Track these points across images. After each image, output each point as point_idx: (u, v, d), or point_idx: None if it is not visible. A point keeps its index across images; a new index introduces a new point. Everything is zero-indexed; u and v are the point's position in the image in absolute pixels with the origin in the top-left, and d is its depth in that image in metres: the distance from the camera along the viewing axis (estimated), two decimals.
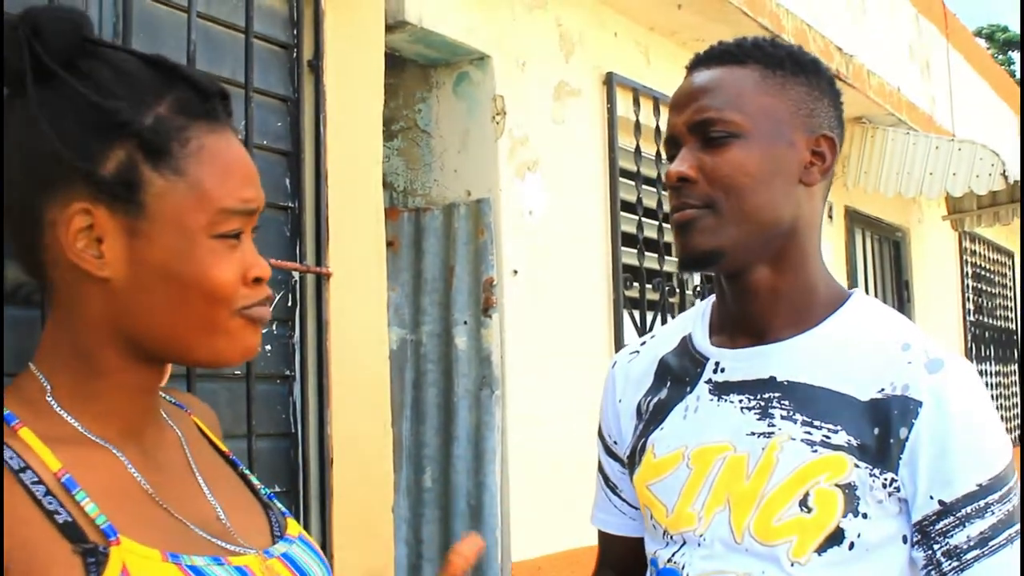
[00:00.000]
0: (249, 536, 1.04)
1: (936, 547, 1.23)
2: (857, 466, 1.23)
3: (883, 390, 1.25)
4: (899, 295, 6.28)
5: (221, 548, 1.00)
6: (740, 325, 1.34)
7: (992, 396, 7.74)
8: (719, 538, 1.27)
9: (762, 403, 1.29)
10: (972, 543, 1.22)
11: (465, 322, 3.01)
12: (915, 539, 1.25)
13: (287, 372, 2.08)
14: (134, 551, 0.92)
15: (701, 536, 1.28)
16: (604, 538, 1.51)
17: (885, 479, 1.23)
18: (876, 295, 5.96)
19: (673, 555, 1.30)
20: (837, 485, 1.23)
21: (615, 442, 1.45)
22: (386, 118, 2.96)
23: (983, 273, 7.92)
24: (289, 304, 2.08)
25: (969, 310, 7.40)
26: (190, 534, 0.99)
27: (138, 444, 1.03)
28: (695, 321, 1.42)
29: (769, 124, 1.28)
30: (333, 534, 2.06)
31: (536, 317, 3.15)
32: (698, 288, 4.05)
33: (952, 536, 1.23)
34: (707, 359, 1.36)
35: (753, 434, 1.28)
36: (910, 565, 1.26)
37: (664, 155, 1.39)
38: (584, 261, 3.42)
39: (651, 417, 1.38)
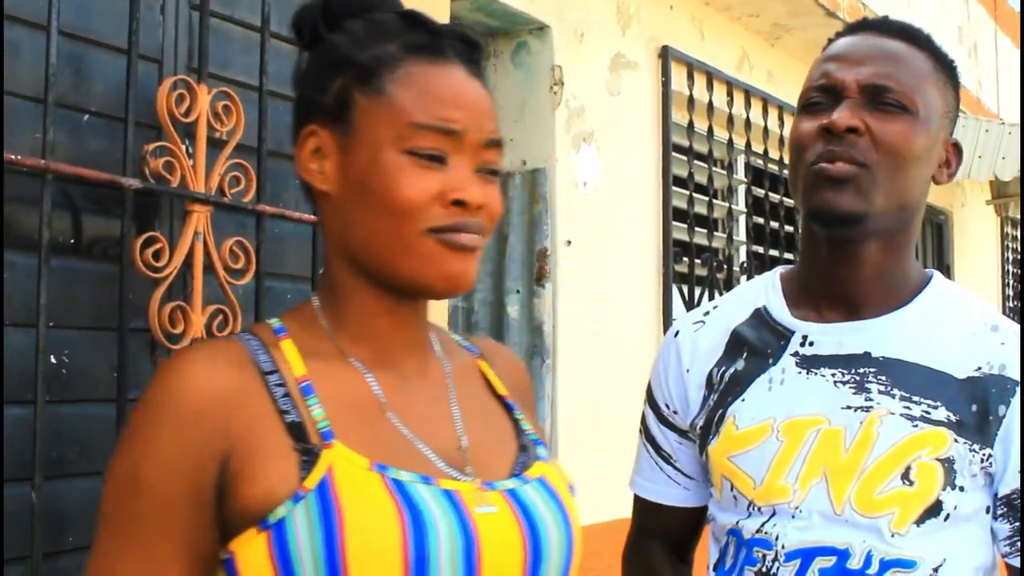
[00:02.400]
0: (485, 469, 1.05)
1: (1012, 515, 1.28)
2: (956, 441, 1.26)
3: (980, 368, 1.27)
4: None
5: (438, 470, 1.02)
6: (831, 298, 1.33)
7: None
8: (817, 510, 1.27)
9: (857, 377, 1.29)
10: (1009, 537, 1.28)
11: (518, 291, 3.01)
12: (1000, 511, 1.29)
13: None
14: (343, 456, 0.96)
15: (797, 508, 1.28)
16: (648, 507, 1.49)
17: (984, 454, 1.26)
18: None
19: (763, 526, 1.30)
20: (938, 459, 1.25)
21: (675, 412, 1.43)
22: None
23: None
24: None
25: (1008, 296, 7.31)
26: (411, 451, 1.02)
27: (394, 369, 1.07)
28: (766, 293, 1.41)
29: (932, 113, 1.31)
30: None
31: (587, 288, 3.14)
32: (744, 264, 4.02)
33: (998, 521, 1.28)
34: (792, 332, 1.35)
35: (849, 408, 1.28)
36: (990, 536, 1.30)
37: (799, 101, 1.36)
38: (635, 234, 3.40)
39: (727, 388, 1.37)
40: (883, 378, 1.29)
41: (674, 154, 3.58)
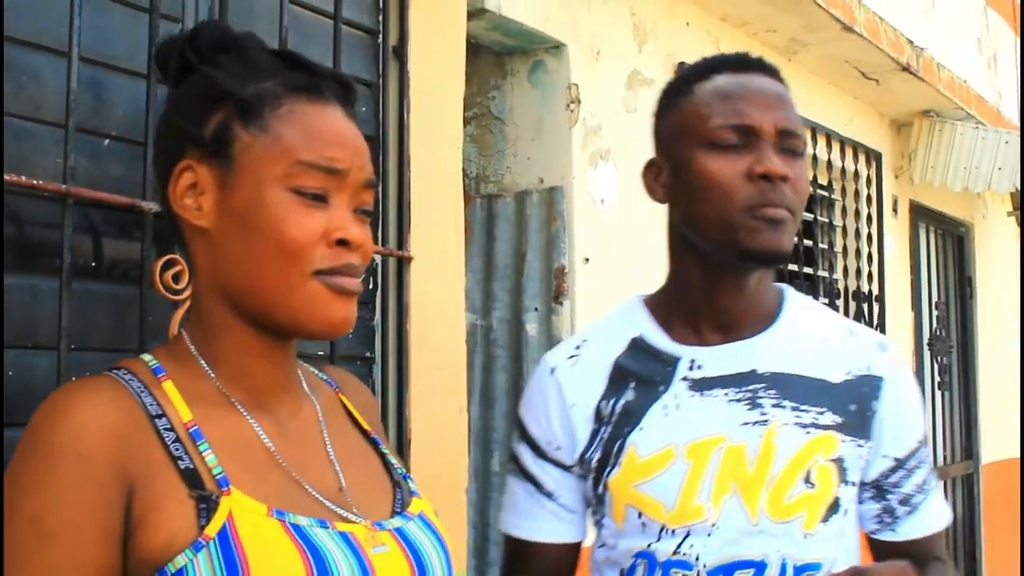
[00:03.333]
0: (367, 509, 1.07)
1: (891, 497, 1.42)
2: (843, 441, 1.37)
3: (850, 372, 1.40)
4: (961, 291, 6.19)
5: (332, 513, 1.03)
6: (712, 323, 1.39)
7: None
8: (734, 524, 1.33)
9: (749, 394, 1.37)
10: (917, 489, 1.43)
11: (536, 309, 3.01)
12: (868, 494, 1.43)
13: (367, 354, 2.09)
14: (242, 503, 0.96)
15: (713, 525, 1.33)
16: (525, 547, 1.48)
17: (868, 448, 1.39)
18: (938, 290, 5.89)
19: (679, 547, 1.34)
20: (831, 460, 1.36)
21: (558, 447, 1.43)
22: None
23: None
24: (371, 287, 2.10)
25: None
26: (302, 496, 1.03)
27: (270, 411, 1.07)
28: (637, 322, 1.46)
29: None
30: None
31: (606, 305, 3.12)
32: None
33: (903, 486, 1.42)
34: (678, 357, 1.40)
35: (747, 423, 1.35)
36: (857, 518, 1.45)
37: (703, 135, 1.36)
38: (653, 251, 3.39)
39: (621, 419, 1.40)
40: (772, 392, 1.37)
41: None
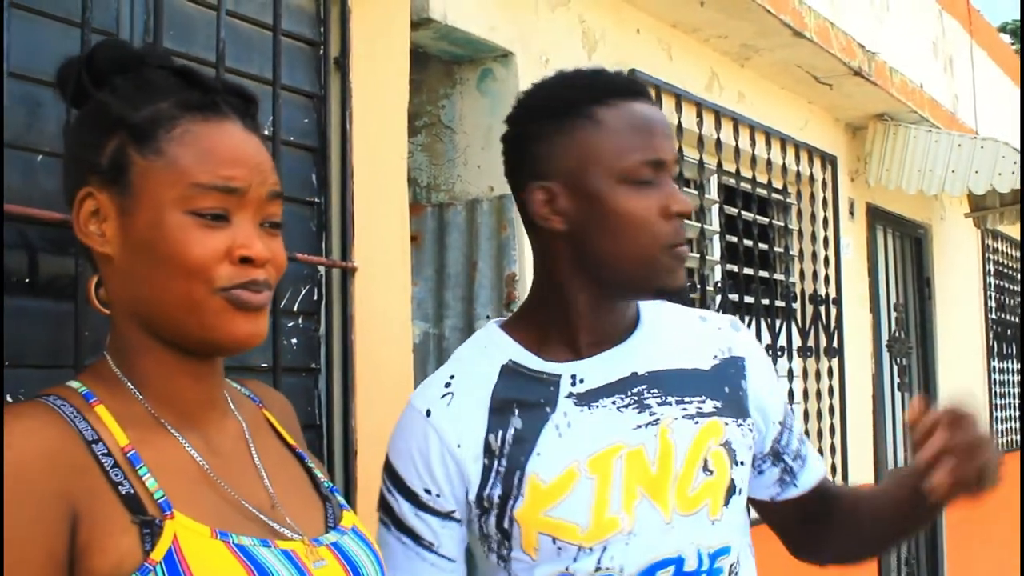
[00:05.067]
0: (302, 524, 1.08)
1: (786, 457, 1.52)
2: (727, 424, 1.42)
3: (716, 356, 1.46)
4: (920, 292, 6.26)
5: (271, 531, 1.05)
6: (588, 339, 1.40)
7: (1012, 395, 7.70)
8: (649, 527, 1.35)
9: (635, 397, 1.39)
10: (800, 441, 1.54)
11: (488, 316, 3.03)
12: (767, 464, 1.52)
13: (313, 365, 2.11)
14: (186, 526, 0.97)
15: (630, 532, 1.34)
16: None
17: (748, 424, 1.45)
18: (897, 293, 5.95)
19: (599, 562, 1.34)
20: (721, 445, 1.40)
21: (439, 495, 1.38)
22: (410, 114, 2.97)
23: (1005, 271, 7.88)
24: (315, 298, 2.11)
25: (991, 308, 7.36)
26: (242, 515, 1.04)
27: (198, 429, 1.09)
28: (503, 349, 1.41)
29: None
30: None
31: None
32: (718, 284, 4.06)
33: (791, 443, 1.52)
34: (558, 375, 1.39)
35: (640, 427, 1.37)
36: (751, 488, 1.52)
37: (624, 171, 1.34)
38: None
39: (514, 449, 1.37)
40: (655, 390, 1.40)
41: None
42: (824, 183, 4.91)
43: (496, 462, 1.37)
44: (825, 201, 4.89)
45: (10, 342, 1.52)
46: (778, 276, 4.55)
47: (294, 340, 2.07)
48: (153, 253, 1.02)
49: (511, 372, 1.40)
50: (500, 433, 1.38)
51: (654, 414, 1.38)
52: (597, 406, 1.38)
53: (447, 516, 1.40)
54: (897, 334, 5.84)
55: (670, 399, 1.40)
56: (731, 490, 1.40)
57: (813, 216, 4.82)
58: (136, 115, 1.04)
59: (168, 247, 1.01)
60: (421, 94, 3.16)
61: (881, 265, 5.72)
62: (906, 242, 6.18)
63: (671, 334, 1.46)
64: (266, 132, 2.00)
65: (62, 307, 1.63)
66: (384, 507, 1.43)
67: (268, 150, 1.12)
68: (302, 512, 1.11)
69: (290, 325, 2.06)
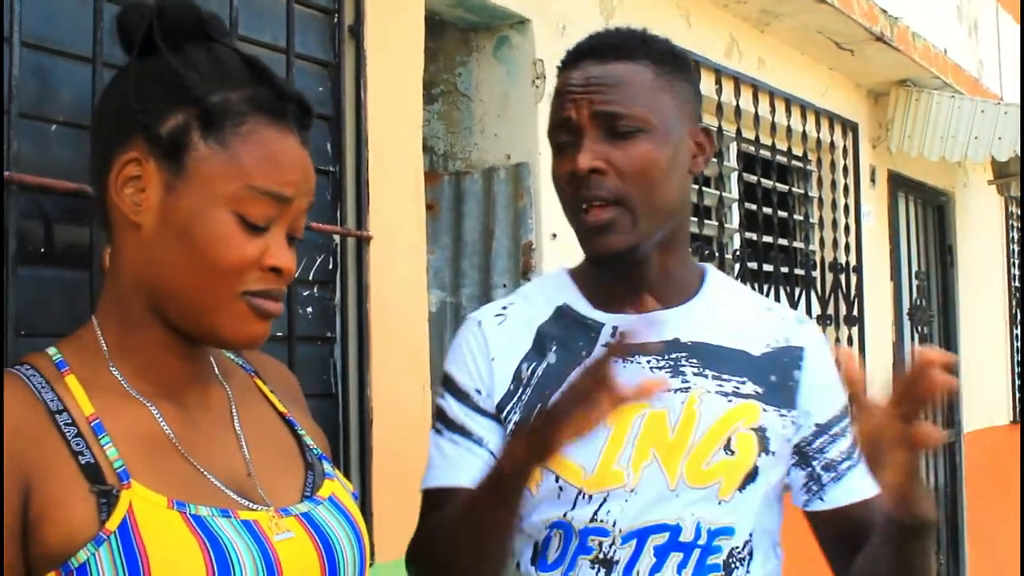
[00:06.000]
0: (276, 494, 1.08)
1: (815, 463, 1.44)
2: (765, 410, 1.40)
3: (769, 344, 1.44)
4: (942, 260, 6.22)
5: (234, 501, 1.05)
6: (627, 297, 1.39)
7: None
8: (652, 490, 1.36)
9: (672, 362, 1.40)
10: (843, 457, 1.44)
11: (504, 285, 3.03)
12: (793, 462, 1.45)
13: (328, 334, 2.11)
14: (142, 495, 0.98)
15: (632, 491, 1.36)
16: (450, 494, 1.43)
17: (792, 416, 1.42)
18: (919, 260, 5.91)
19: (596, 513, 1.36)
20: (752, 429, 1.39)
21: (488, 395, 1.44)
22: (426, 82, 2.97)
23: None
24: (330, 267, 2.12)
25: (1015, 276, 7.31)
26: (205, 486, 1.04)
27: (176, 400, 1.09)
28: (563, 291, 1.48)
29: (667, 118, 1.38)
30: (373, 492, 2.10)
31: None
32: (737, 252, 4.04)
33: (827, 452, 1.44)
34: (601, 324, 1.42)
35: (669, 391, 1.37)
36: (783, 488, 1.47)
37: (550, 141, 1.43)
38: None
39: (542, 382, 1.41)
40: (695, 360, 1.40)
41: None
42: (845, 150, 4.87)
43: (522, 390, 1.42)
44: (846, 168, 4.86)
45: (26, 311, 1.53)
46: (798, 244, 4.53)
47: (309, 309, 2.08)
48: (188, 241, 1.02)
49: (562, 314, 1.45)
50: (533, 365, 1.43)
51: (687, 382, 1.39)
52: (632, 361, 1.38)
53: (494, 417, 1.45)
54: (919, 302, 5.81)
55: (707, 372, 1.40)
56: (751, 476, 1.39)
57: (833, 183, 4.79)
58: (210, 98, 1.03)
59: (205, 241, 1.01)
60: (437, 62, 3.14)
61: (903, 233, 5.68)
62: (928, 209, 6.13)
63: (727, 312, 1.45)
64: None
65: (77, 275, 1.64)
66: (437, 414, 1.50)
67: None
68: (280, 480, 1.12)
69: (305, 294, 2.07)
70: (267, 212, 1.04)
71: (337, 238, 2.11)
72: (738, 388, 1.40)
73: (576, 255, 3.28)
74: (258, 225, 1.03)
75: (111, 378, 1.05)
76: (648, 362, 1.39)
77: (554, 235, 3.07)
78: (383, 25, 2.22)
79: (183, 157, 1.03)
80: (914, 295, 5.78)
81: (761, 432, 1.40)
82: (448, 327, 3.10)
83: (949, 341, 6.19)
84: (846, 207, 4.83)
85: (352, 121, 2.14)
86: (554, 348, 1.43)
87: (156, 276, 1.04)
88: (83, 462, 0.98)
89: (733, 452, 1.38)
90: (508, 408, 1.43)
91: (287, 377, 1.29)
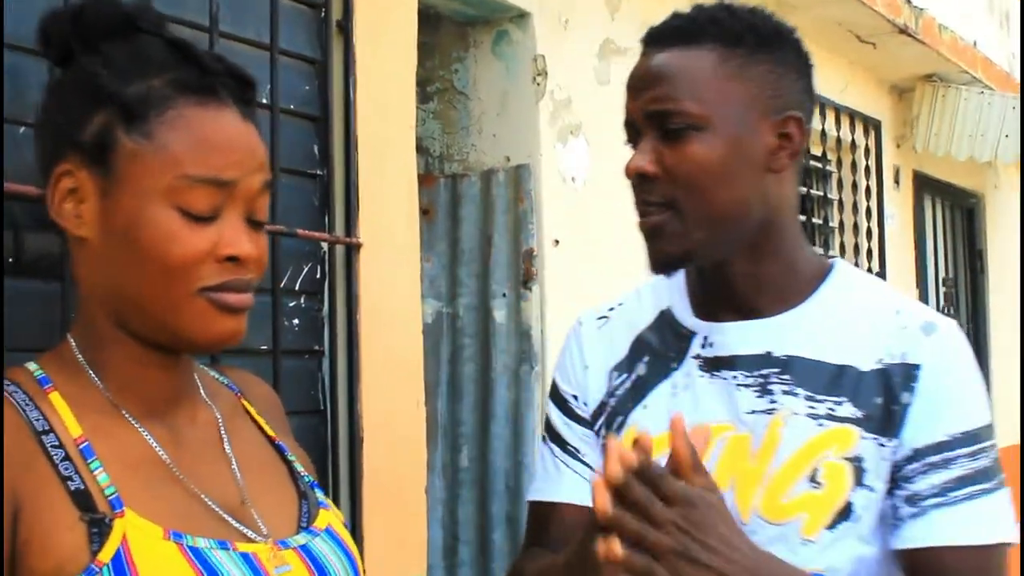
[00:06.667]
0: (272, 523, 1.08)
1: (899, 492, 1.29)
2: (864, 438, 1.29)
3: (882, 359, 1.31)
4: (971, 266, 6.23)
5: (233, 531, 1.04)
6: (723, 303, 1.36)
7: None
8: None
9: (760, 379, 1.32)
10: (934, 491, 1.27)
11: (504, 295, 3.04)
12: (886, 488, 1.30)
13: (316, 347, 2.12)
14: (137, 525, 0.97)
15: None
16: (547, 512, 1.42)
17: (892, 447, 1.29)
18: (946, 267, 5.91)
19: None
20: (845, 458, 1.28)
21: (584, 403, 1.43)
22: (421, 79, 2.98)
23: None
24: (318, 276, 2.12)
25: None
26: (202, 513, 1.04)
27: (164, 420, 1.08)
28: (672, 293, 1.42)
29: (730, 111, 1.29)
30: (363, 515, 2.10)
31: (578, 290, 3.16)
32: None
33: (914, 482, 1.28)
34: (694, 333, 1.37)
35: (754, 412, 1.31)
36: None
37: (626, 138, 1.37)
38: (628, 231, 3.40)
39: (628, 395, 1.39)
40: (786, 377, 1.31)
41: None
42: (867, 150, 4.88)
43: (609, 399, 1.40)
44: (868, 169, 4.86)
45: None
46: (817, 250, 4.53)
47: (295, 321, 2.08)
48: (133, 245, 1.01)
49: (663, 319, 1.41)
50: (624, 375, 1.40)
51: (774, 402, 1.31)
52: (719, 376, 1.33)
53: (590, 426, 1.43)
54: (946, 310, 5.81)
55: (798, 391, 1.30)
56: (844, 513, 1.27)
57: (855, 185, 4.79)
58: (127, 91, 1.02)
59: (149, 242, 1.00)
60: (433, 58, 3.16)
61: (929, 237, 5.68)
62: (956, 212, 6.14)
63: (839, 320, 1.34)
64: (264, 100, 2.00)
65: (49, 287, 1.65)
66: (544, 421, 1.49)
67: (260, 131, 1.11)
68: (274, 510, 1.11)
69: (291, 305, 2.07)
70: (210, 200, 1.02)
71: (325, 246, 2.12)
72: (832, 410, 1.29)
73: (579, 263, 3.30)
74: (202, 215, 1.02)
75: (99, 396, 1.05)
76: (734, 377, 1.33)
77: (557, 241, 3.08)
78: (373, 19, 2.23)
79: (111, 158, 1.02)
80: (941, 303, 5.78)
81: (856, 463, 1.28)
82: (444, 339, 3.11)
83: (978, 352, 6.19)
84: (868, 210, 4.84)
85: (341, 121, 2.15)
86: (646, 359, 1.39)
87: (113, 288, 1.04)
88: (72, 488, 0.97)
89: (820, 484, 1.27)
90: (599, 421, 1.40)
91: (272, 398, 1.28)
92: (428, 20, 2.75)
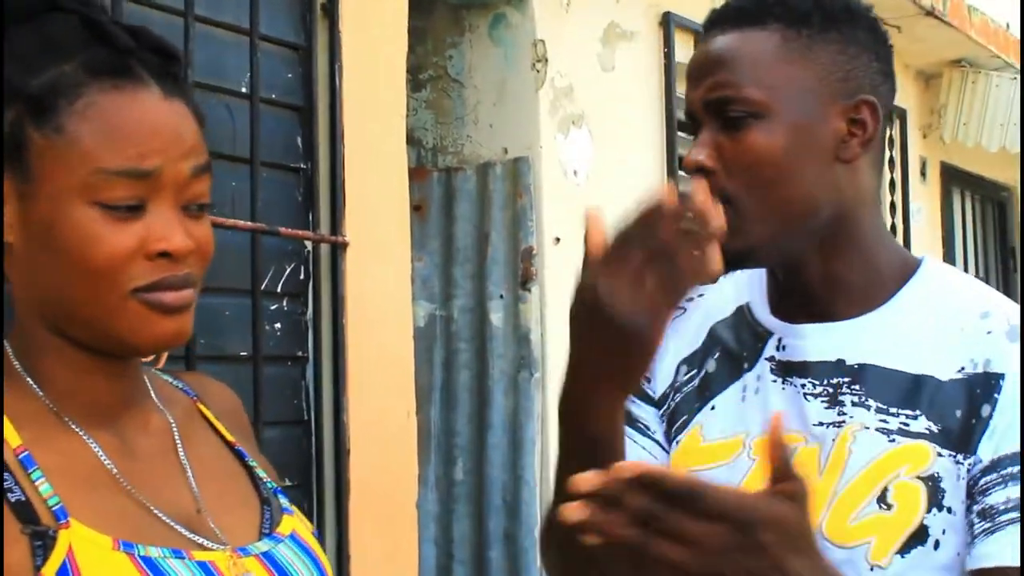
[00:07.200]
0: (231, 531, 1.08)
1: (974, 506, 1.25)
2: (940, 455, 1.25)
3: (963, 368, 1.27)
4: (1003, 263, 6.22)
5: (188, 541, 1.04)
6: (797, 303, 1.33)
7: None
8: None
9: (830, 389, 1.30)
10: (1010, 505, 1.23)
11: (501, 296, 3.04)
12: (966, 505, 1.25)
13: (299, 353, 2.12)
14: (83, 536, 0.97)
15: None
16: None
17: (968, 464, 1.25)
18: (976, 263, 5.91)
19: None
20: (919, 477, 1.25)
21: (654, 389, 1.40)
22: (413, 66, 2.98)
23: None
24: (301, 277, 2.13)
25: None
26: (153, 524, 1.03)
27: (111, 428, 1.07)
28: (752, 288, 1.40)
29: (794, 97, 1.27)
30: (350, 531, 2.11)
31: None
32: None
33: (990, 495, 1.24)
34: (771, 333, 1.35)
35: (822, 424, 1.29)
36: None
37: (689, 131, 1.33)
38: None
39: (695, 392, 1.38)
40: (857, 387, 1.29)
41: (680, 134, 3.59)
42: (891, 140, 4.88)
43: (674, 393, 1.38)
44: (892, 161, 4.86)
45: None
46: None
47: (277, 325, 2.09)
48: (55, 249, 0.99)
49: (740, 315, 1.39)
50: (693, 370, 1.38)
51: (843, 414, 1.29)
52: (789, 383, 1.31)
53: (658, 407, 1.41)
54: None
55: (870, 402, 1.28)
56: (917, 537, 1.24)
57: None
58: (33, 82, 1.00)
59: (71, 244, 0.99)
60: (425, 43, 3.16)
61: (958, 233, 5.68)
62: (987, 206, 6.13)
63: (922, 325, 1.31)
64: (243, 89, 2.01)
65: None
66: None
67: (201, 108, 1.09)
68: (234, 517, 1.11)
69: (273, 308, 2.08)
70: (131, 193, 1.00)
71: (309, 245, 2.12)
72: (906, 425, 1.26)
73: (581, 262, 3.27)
74: (124, 210, 1.00)
75: (39, 405, 1.04)
76: (803, 386, 1.30)
77: (557, 239, 3.08)
78: (361, 2, 2.23)
79: (24, 158, 1.00)
80: None
81: (933, 482, 1.25)
82: (437, 344, 3.11)
83: None
84: (893, 204, 4.84)
85: (326, 112, 2.15)
86: (716, 355, 1.37)
87: (41, 296, 1.03)
88: (12, 500, 0.96)
89: (890, 506, 1.25)
90: (662, 410, 1.39)
91: (233, 403, 1.28)
92: (420, 3, 2.75)
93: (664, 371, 1.40)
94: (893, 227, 4.82)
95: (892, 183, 4.85)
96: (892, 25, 4.56)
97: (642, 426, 1.41)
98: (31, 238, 1.01)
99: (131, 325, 1.01)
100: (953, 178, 5.54)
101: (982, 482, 1.24)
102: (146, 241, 1.00)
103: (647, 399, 1.42)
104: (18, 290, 1.05)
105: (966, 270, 5.75)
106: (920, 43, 4.83)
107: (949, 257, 5.46)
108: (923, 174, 5.23)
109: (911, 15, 4.50)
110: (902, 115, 4.95)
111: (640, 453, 1.40)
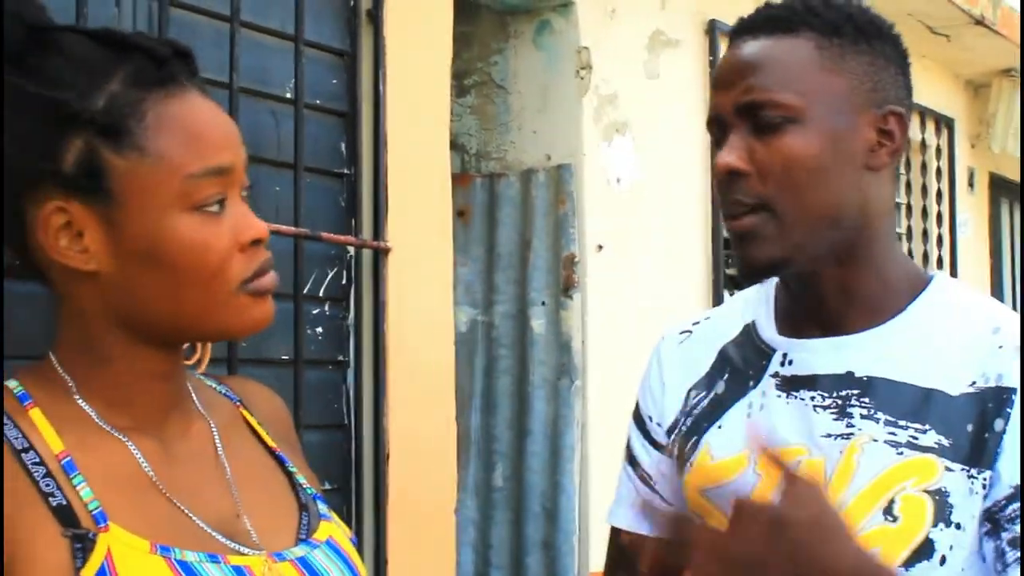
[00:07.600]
0: (268, 537, 1.10)
1: (1004, 534, 1.24)
2: (949, 469, 1.25)
3: (975, 383, 1.27)
4: None
5: (223, 545, 1.06)
6: (808, 317, 1.34)
7: None
8: None
9: (839, 401, 1.30)
10: None
11: (543, 303, 3.04)
12: (985, 530, 1.26)
13: (340, 357, 2.13)
14: (122, 539, 0.99)
15: None
16: (627, 540, 1.45)
17: (983, 479, 1.25)
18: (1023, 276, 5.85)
19: None
20: (926, 491, 1.25)
21: (659, 424, 1.44)
22: (458, 71, 2.99)
23: None
24: (344, 282, 2.13)
25: None
26: (191, 528, 1.05)
27: (155, 434, 1.10)
28: (759, 307, 1.41)
29: (828, 104, 1.27)
30: (388, 536, 2.11)
31: (623, 298, 3.16)
32: None
33: (1018, 523, 1.24)
34: (775, 350, 1.36)
35: (830, 436, 1.29)
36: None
37: (711, 138, 1.35)
38: (679, 235, 3.42)
39: (704, 413, 1.39)
40: (866, 400, 1.29)
41: None
42: (939, 150, 4.84)
43: (684, 418, 1.40)
44: (939, 171, 4.82)
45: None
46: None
47: (319, 329, 2.10)
48: (161, 262, 1.02)
49: (747, 333, 1.41)
50: (703, 393, 1.40)
51: (852, 426, 1.29)
52: (796, 396, 1.32)
53: (663, 450, 1.43)
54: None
55: (879, 415, 1.28)
56: (923, 551, 1.25)
57: (925, 188, 4.75)
58: (94, 105, 1.01)
59: (180, 254, 1.02)
60: (471, 49, 3.16)
61: (1006, 244, 5.62)
62: (1009, 209, 6.07)
63: (932, 339, 1.31)
64: (288, 95, 2.02)
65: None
66: (627, 440, 1.50)
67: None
68: (272, 522, 1.13)
69: (315, 312, 2.08)
70: (218, 189, 1.04)
71: (351, 250, 2.13)
72: (915, 438, 1.26)
73: (623, 270, 3.29)
74: (216, 207, 1.04)
75: (80, 412, 1.07)
76: (812, 398, 1.31)
77: (600, 247, 3.07)
78: (406, 8, 2.24)
79: (105, 183, 1.01)
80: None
81: (940, 496, 1.25)
82: (479, 349, 3.11)
83: None
84: (939, 215, 4.79)
85: (370, 117, 2.16)
86: (726, 376, 1.39)
87: (140, 311, 1.05)
88: (54, 504, 0.99)
89: (896, 518, 1.25)
90: (671, 438, 1.41)
91: (277, 408, 1.30)
92: (465, 9, 2.76)
93: (671, 402, 1.42)
94: (939, 238, 4.78)
95: (939, 193, 4.81)
96: (941, 34, 4.53)
97: (645, 474, 1.45)
98: (128, 260, 1.03)
99: (238, 315, 1.07)
100: (1001, 188, 5.49)
101: (1009, 510, 1.24)
102: (237, 233, 1.05)
103: (655, 444, 1.44)
104: (96, 312, 1.06)
105: (1014, 283, 5.69)
106: (969, 52, 4.79)
107: (997, 269, 5.41)
108: (971, 184, 5.18)
109: (961, 24, 4.46)
110: (950, 124, 4.91)
111: (638, 501, 1.43)
